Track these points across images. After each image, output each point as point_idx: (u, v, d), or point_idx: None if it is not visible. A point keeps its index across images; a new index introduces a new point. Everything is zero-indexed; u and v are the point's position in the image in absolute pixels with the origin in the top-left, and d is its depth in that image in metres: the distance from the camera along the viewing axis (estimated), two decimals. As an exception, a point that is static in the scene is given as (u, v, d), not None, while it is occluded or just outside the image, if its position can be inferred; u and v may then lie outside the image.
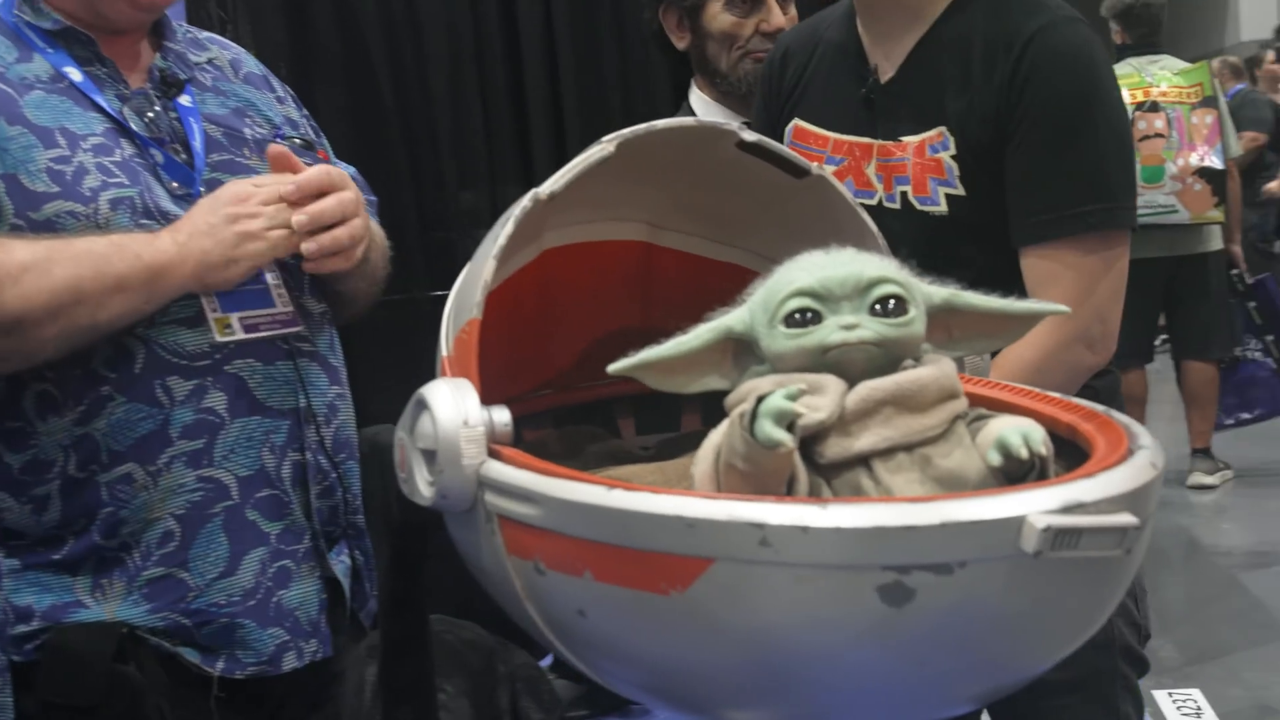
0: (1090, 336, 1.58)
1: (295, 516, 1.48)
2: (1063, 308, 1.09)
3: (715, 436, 1.01)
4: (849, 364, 1.00)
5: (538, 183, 1.19)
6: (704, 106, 2.26)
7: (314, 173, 1.43)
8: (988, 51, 1.58)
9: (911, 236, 1.50)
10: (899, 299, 1.02)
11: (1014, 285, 1.48)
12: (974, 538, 0.85)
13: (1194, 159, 5.31)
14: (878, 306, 1.01)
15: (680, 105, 2.34)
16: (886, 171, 1.61)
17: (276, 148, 1.47)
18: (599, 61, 3.36)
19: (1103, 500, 0.87)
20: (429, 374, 1.19)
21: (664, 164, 1.31)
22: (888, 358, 1.01)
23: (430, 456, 1.12)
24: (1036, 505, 0.85)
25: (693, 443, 1.43)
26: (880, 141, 1.64)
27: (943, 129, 1.59)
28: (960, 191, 1.60)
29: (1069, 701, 1.66)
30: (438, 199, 3.47)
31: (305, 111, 1.70)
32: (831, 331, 1.00)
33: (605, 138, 1.22)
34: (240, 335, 1.43)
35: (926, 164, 1.60)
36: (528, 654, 3.35)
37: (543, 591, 1.05)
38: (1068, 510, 0.85)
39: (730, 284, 1.46)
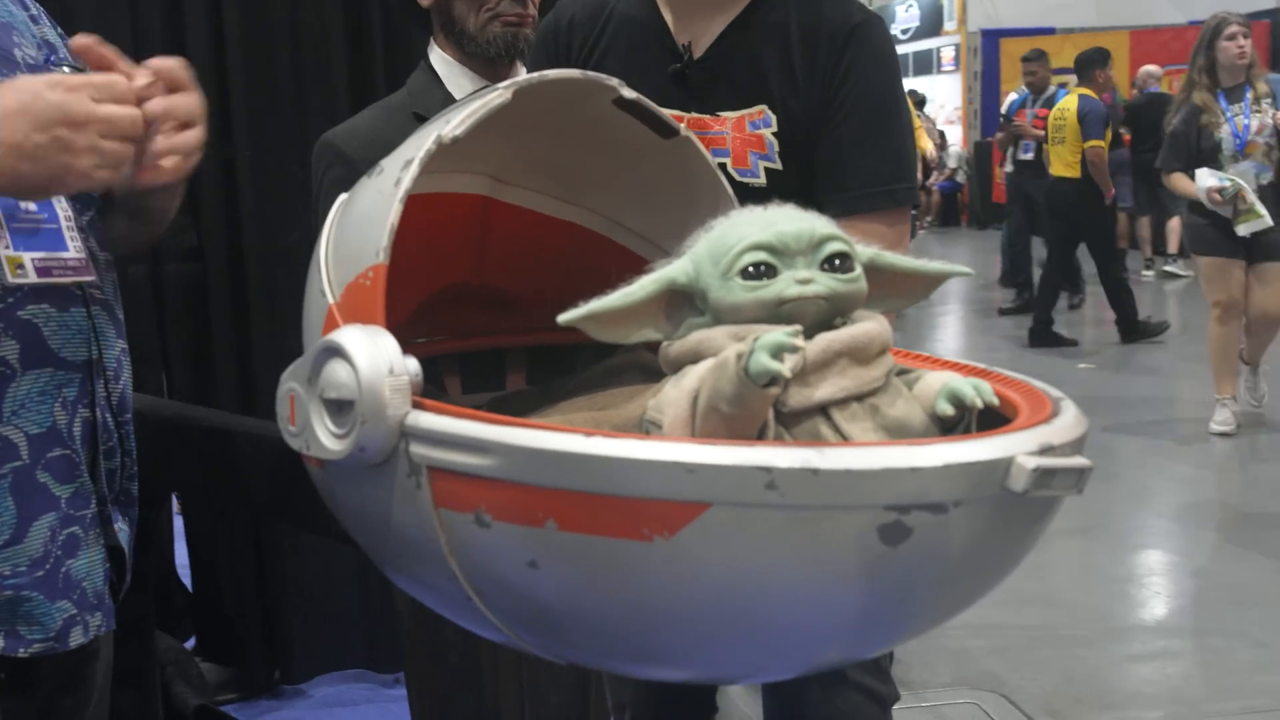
0: None
1: (84, 479, 1.36)
2: (968, 270, 1.19)
3: (688, 382, 1.03)
4: (800, 317, 1.06)
5: None
6: (447, 66, 2.23)
7: (171, 63, 1.28)
8: (808, 39, 1.71)
9: None
10: (846, 256, 1.08)
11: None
12: (970, 478, 0.93)
13: None
14: (826, 263, 1.07)
15: (417, 65, 2.30)
16: (703, 143, 1.67)
17: (83, 39, 1.28)
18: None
19: (1065, 444, 0.98)
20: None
21: (517, 118, 1.31)
22: (833, 312, 1.08)
23: (343, 407, 1.08)
24: (1021, 447, 0.94)
25: (522, 402, 1.45)
26: (694, 114, 1.72)
27: (764, 107, 1.70)
28: (778, 166, 1.71)
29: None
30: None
31: (60, 31, 1.55)
32: (788, 285, 1.06)
33: (502, 84, 1.22)
34: (33, 279, 1.31)
35: (747, 139, 1.70)
36: (172, 637, 3.21)
37: (480, 544, 1.04)
38: (1044, 452, 0.95)
39: (567, 243, 1.49)
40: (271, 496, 1.80)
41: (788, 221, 1.09)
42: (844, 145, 1.69)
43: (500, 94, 1.21)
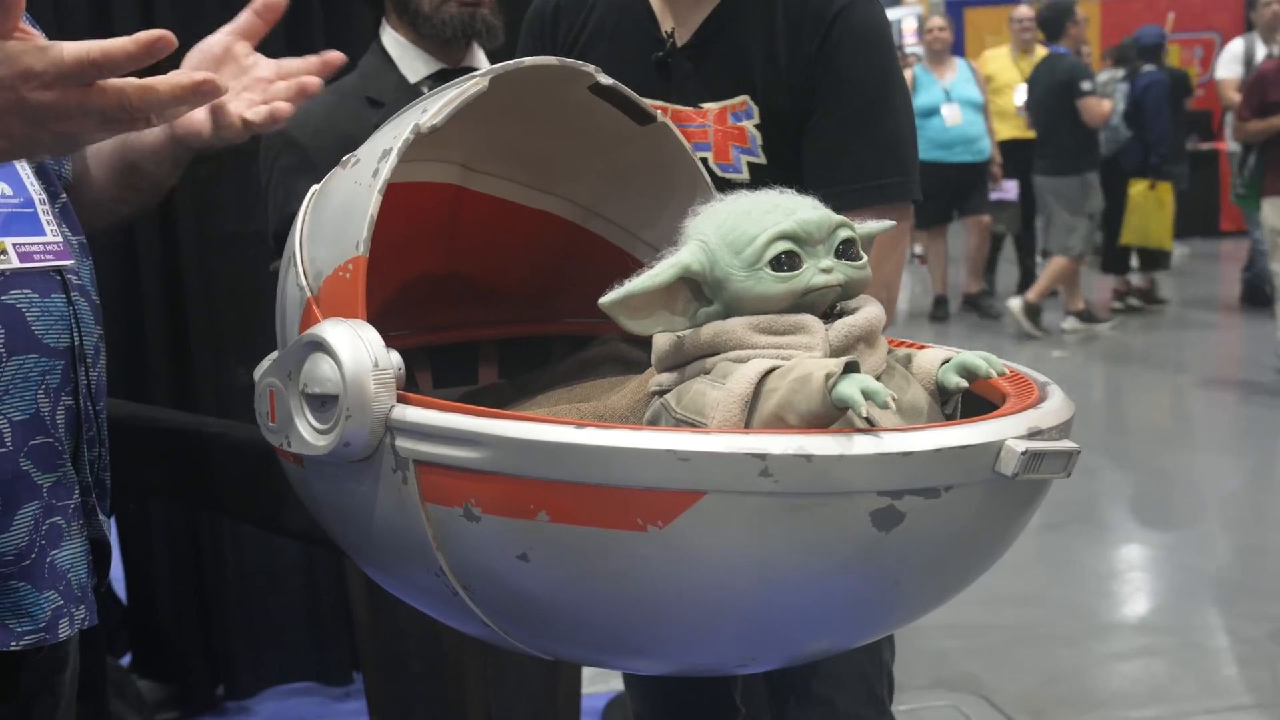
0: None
1: (67, 468, 1.41)
2: (889, 223, 1.26)
3: (736, 385, 1.08)
4: (818, 304, 1.15)
5: None
6: (400, 49, 2.28)
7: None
8: (791, 25, 1.70)
9: None
10: (854, 242, 1.16)
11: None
12: (961, 462, 1.00)
13: None
14: (840, 249, 1.15)
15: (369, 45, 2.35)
16: (684, 137, 1.69)
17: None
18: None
19: (1053, 428, 1.06)
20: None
21: (489, 106, 1.37)
22: (844, 298, 1.16)
23: (326, 402, 1.14)
24: (1010, 432, 1.02)
25: (496, 396, 1.52)
26: (676, 106, 1.72)
27: (746, 98, 1.70)
28: (761, 160, 1.71)
29: None
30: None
31: None
32: (814, 274, 1.14)
33: (478, 72, 1.28)
34: (15, 264, 1.36)
35: (729, 131, 1.71)
36: (107, 654, 3.24)
37: (468, 538, 1.10)
38: (1033, 436, 1.03)
39: (540, 232, 1.56)
40: (232, 496, 1.86)
41: (806, 209, 1.16)
42: (830, 137, 1.68)
43: (478, 82, 1.27)
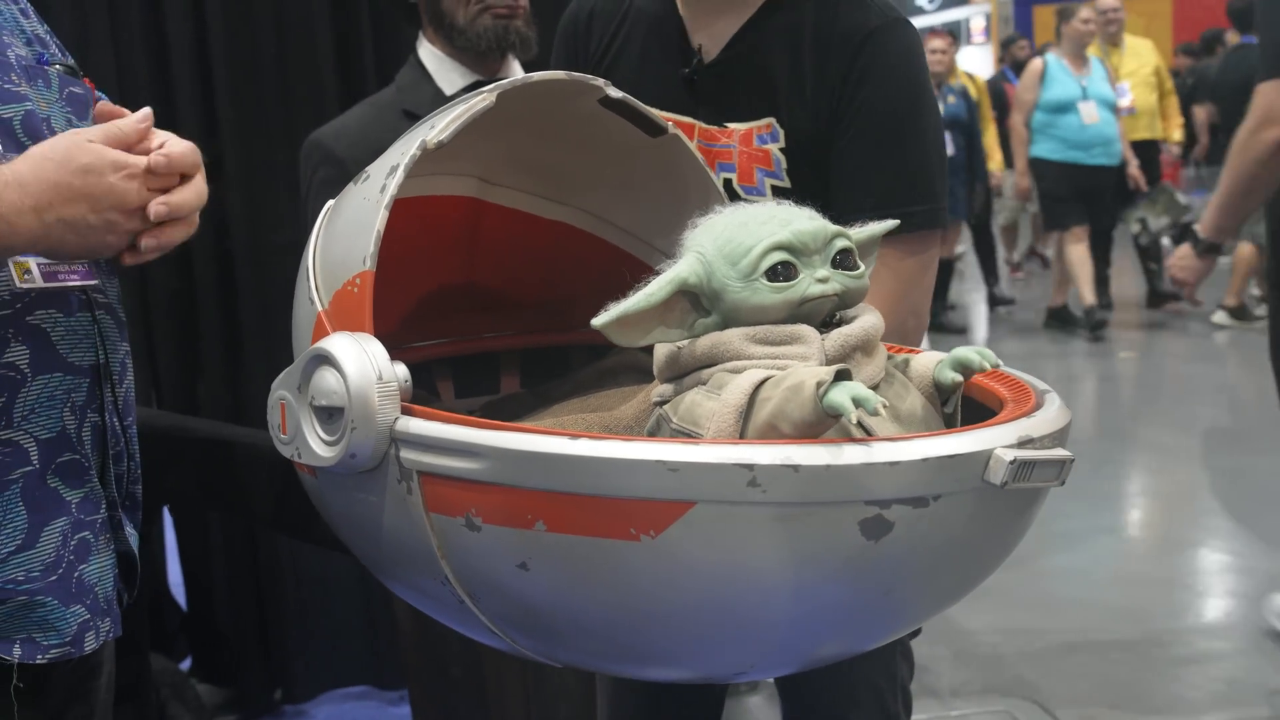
0: (905, 330, 1.71)
1: (94, 484, 1.46)
2: (893, 222, 1.28)
3: (731, 396, 1.10)
4: (816, 314, 1.16)
5: None
6: (436, 61, 2.32)
7: (184, 150, 1.41)
8: (820, 44, 1.65)
9: None
10: (852, 252, 1.17)
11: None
12: (949, 472, 1.01)
13: None
14: (836, 259, 1.16)
15: (406, 59, 2.39)
16: (708, 155, 1.67)
17: (106, 106, 1.44)
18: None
19: (1045, 436, 1.06)
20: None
21: (505, 119, 1.39)
22: (840, 307, 1.17)
23: (333, 414, 1.17)
24: (1000, 441, 1.03)
25: (516, 405, 1.54)
26: (703, 125, 1.71)
27: (772, 120, 1.67)
28: (785, 184, 1.68)
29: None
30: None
31: (44, 22, 1.63)
32: (810, 284, 1.15)
33: (486, 88, 1.30)
34: (40, 284, 1.40)
35: (754, 154, 1.68)
36: (166, 658, 3.31)
37: (471, 547, 1.12)
38: (1023, 445, 1.03)
39: (557, 242, 1.58)
40: (268, 507, 1.90)
41: (801, 220, 1.17)
42: (856, 162, 1.64)
43: (485, 98, 1.29)
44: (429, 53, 2.35)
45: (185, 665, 3.55)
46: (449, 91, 2.31)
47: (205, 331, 3.35)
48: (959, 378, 1.15)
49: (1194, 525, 4.90)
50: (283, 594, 3.45)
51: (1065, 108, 8.04)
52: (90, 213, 1.30)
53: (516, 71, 2.39)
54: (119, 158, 1.32)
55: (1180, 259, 3.34)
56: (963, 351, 1.16)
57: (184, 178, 1.41)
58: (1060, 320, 8.64)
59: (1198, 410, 6.63)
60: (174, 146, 1.38)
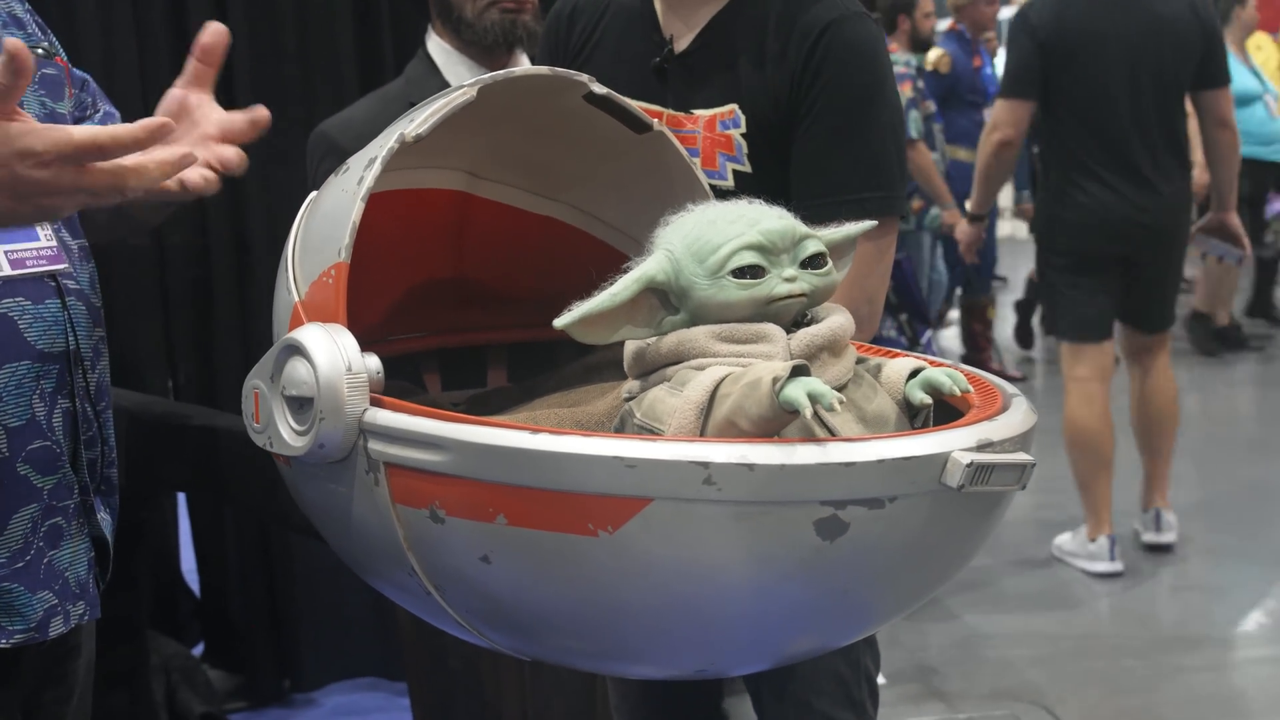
0: (859, 317, 1.74)
1: (66, 470, 1.47)
2: (869, 223, 1.29)
3: (692, 393, 1.10)
4: (784, 313, 1.16)
5: None
6: (444, 55, 2.33)
7: (118, 131, 1.36)
8: (782, 35, 1.71)
9: None
10: (821, 253, 1.17)
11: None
12: (905, 474, 1.01)
13: None
14: (805, 260, 1.16)
15: (413, 54, 2.40)
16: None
17: (14, 44, 1.33)
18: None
19: (1006, 440, 1.06)
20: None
21: (493, 113, 1.40)
22: (809, 306, 1.17)
23: (303, 405, 1.18)
24: (957, 444, 1.02)
25: (501, 399, 1.55)
26: (670, 111, 1.76)
27: (734, 106, 1.73)
28: (746, 168, 1.73)
29: None
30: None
31: (27, 4, 1.63)
32: (777, 284, 1.15)
33: (467, 82, 1.31)
34: (7, 271, 1.41)
35: (716, 139, 1.74)
36: (178, 643, 3.33)
37: (435, 539, 1.13)
38: (981, 449, 1.03)
39: (545, 237, 1.59)
40: (259, 494, 1.91)
41: (770, 219, 1.17)
42: (813, 150, 1.70)
43: (464, 92, 1.30)
44: (437, 46, 2.36)
45: (198, 650, 3.57)
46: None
47: (222, 321, 3.37)
48: (927, 399, 1.14)
49: (1207, 532, 4.87)
50: (293, 584, 3.48)
51: (1248, 100, 7.11)
52: (13, 201, 1.20)
53: (524, 65, 2.40)
54: (25, 145, 1.18)
55: None
56: (935, 374, 1.14)
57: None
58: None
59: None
60: (114, 131, 1.22)
